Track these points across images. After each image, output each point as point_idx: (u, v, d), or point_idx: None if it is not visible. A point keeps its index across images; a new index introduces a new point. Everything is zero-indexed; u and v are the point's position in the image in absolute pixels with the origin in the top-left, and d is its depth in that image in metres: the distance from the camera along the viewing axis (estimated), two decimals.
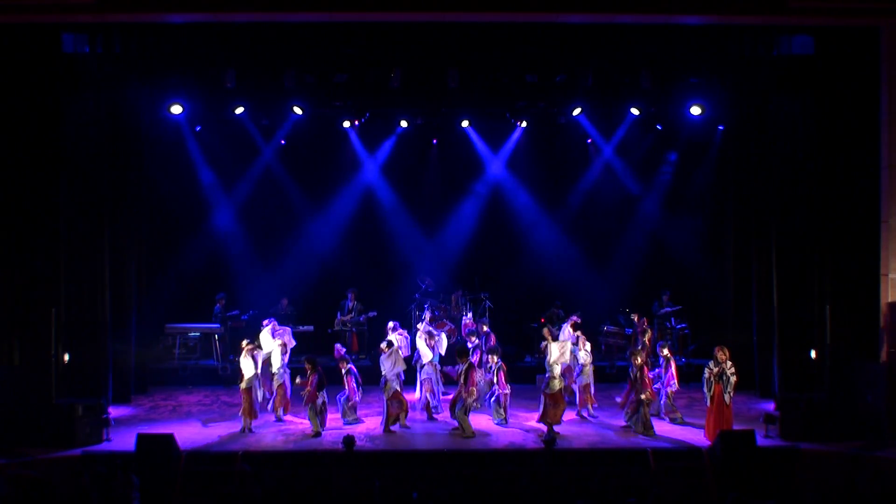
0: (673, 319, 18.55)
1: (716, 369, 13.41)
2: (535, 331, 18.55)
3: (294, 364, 15.08)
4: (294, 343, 15.41)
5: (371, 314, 18.52)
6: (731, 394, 13.39)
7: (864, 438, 13.51)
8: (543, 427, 13.80)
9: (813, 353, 14.93)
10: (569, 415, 14.63)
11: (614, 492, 11.34)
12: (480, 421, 14.35)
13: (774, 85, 15.60)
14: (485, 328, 16.32)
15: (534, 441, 13.41)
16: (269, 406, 14.65)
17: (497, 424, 14.32)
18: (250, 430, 13.97)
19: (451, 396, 14.24)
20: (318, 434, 13.76)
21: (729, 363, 13.42)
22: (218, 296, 18.71)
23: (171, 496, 11.97)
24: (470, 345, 15.19)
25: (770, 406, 15.10)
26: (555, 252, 20.20)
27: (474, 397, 13.84)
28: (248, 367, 14.10)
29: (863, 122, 14.40)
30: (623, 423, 14.17)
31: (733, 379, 13.36)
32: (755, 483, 12.17)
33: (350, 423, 14.40)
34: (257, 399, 14.25)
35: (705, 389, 13.57)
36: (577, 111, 17.60)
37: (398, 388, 14.07)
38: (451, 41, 14.94)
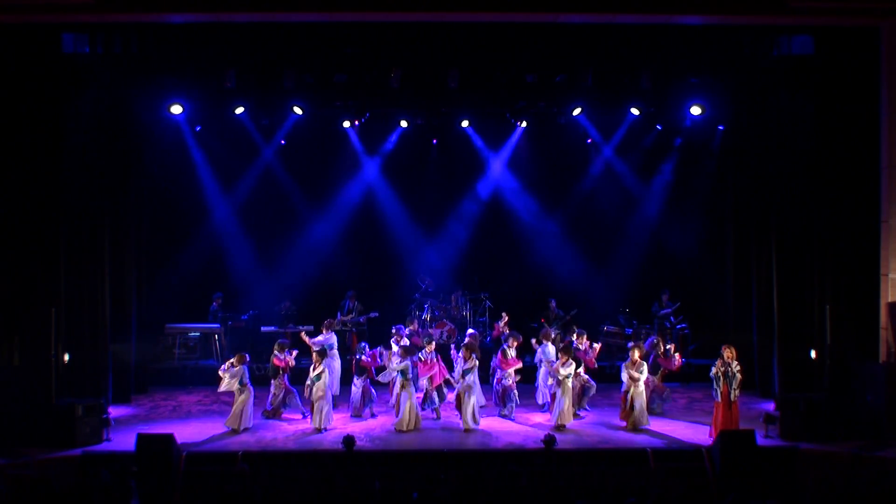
0: (672, 318, 18.53)
1: (722, 368, 13.40)
2: (535, 331, 18.51)
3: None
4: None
5: (373, 315, 18.48)
6: (737, 392, 13.39)
7: (864, 438, 13.51)
8: (542, 426, 13.93)
9: (813, 353, 14.92)
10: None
11: (614, 492, 11.31)
12: (482, 421, 14.38)
13: (774, 85, 15.61)
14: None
15: (534, 441, 13.41)
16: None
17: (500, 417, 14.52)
18: (245, 429, 13.99)
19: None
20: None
21: (735, 362, 13.44)
22: (215, 295, 18.72)
23: (171, 496, 11.96)
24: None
25: (770, 406, 15.09)
26: (555, 252, 20.16)
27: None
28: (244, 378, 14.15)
29: (863, 123, 14.40)
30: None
31: (739, 377, 13.38)
32: (755, 483, 12.15)
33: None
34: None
35: (715, 386, 13.52)
36: (577, 111, 17.60)
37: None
38: (451, 41, 14.94)
